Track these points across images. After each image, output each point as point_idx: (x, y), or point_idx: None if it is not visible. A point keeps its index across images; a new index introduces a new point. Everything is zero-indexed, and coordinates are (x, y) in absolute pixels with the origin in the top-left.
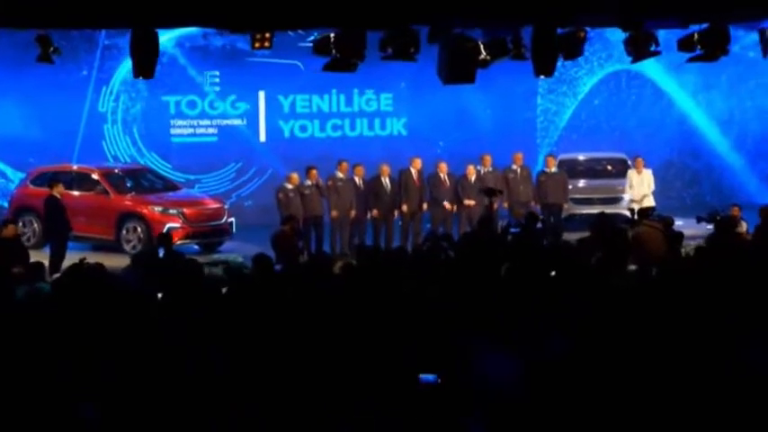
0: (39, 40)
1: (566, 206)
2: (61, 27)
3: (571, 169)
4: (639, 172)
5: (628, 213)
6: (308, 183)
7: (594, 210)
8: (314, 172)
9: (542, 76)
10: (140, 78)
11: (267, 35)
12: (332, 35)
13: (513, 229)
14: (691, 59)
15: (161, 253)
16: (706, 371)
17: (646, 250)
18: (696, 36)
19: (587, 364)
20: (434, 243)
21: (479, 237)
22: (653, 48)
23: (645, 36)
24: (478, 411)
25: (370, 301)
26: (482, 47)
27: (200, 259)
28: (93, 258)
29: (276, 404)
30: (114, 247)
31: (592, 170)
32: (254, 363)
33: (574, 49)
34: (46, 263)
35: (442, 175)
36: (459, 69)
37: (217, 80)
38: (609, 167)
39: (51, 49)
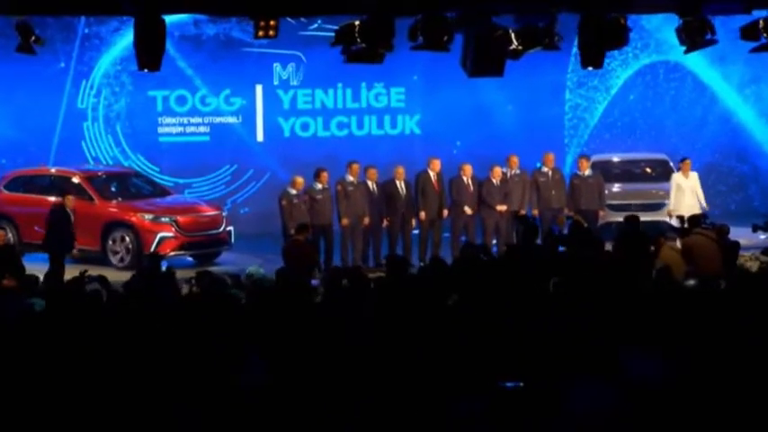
0: (19, 28)
1: (602, 213)
2: (48, 14)
3: (605, 172)
4: (687, 176)
5: (670, 221)
6: (319, 187)
7: None
8: (324, 175)
9: (590, 68)
10: (144, 71)
11: (272, 23)
12: (357, 22)
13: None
14: (755, 49)
15: (164, 266)
16: None
17: (698, 261)
18: (762, 23)
19: (689, 386)
20: (473, 255)
21: (526, 249)
22: (709, 36)
23: (700, 23)
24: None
25: (414, 318)
26: (513, 35)
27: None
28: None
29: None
30: (99, 259)
31: (628, 173)
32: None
33: (617, 38)
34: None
35: (465, 179)
36: (486, 60)
37: None
38: (648, 170)
39: (33, 38)
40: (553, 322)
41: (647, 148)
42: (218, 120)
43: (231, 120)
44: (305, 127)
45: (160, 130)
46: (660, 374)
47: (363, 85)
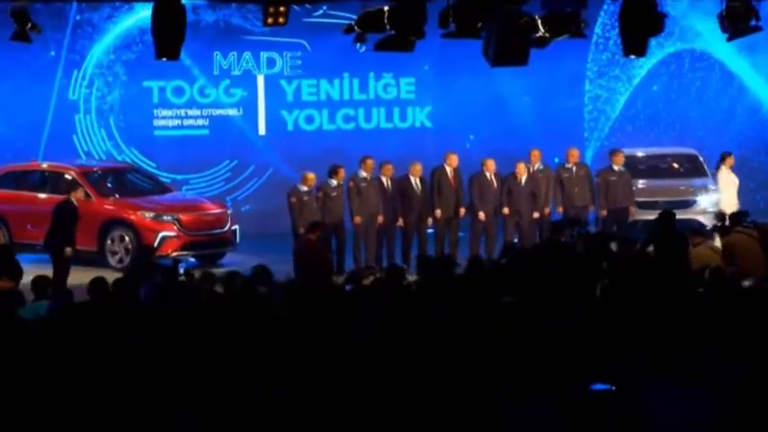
0: (14, 14)
1: (632, 210)
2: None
3: (629, 167)
4: (729, 171)
5: (701, 219)
6: (334, 183)
7: None
8: (341, 172)
9: (633, 56)
10: (163, 59)
11: (282, 9)
12: (386, 8)
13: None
14: None
15: (181, 269)
16: None
17: (739, 261)
18: None
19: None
20: (516, 256)
21: (556, 246)
22: (753, 23)
23: (745, 8)
24: None
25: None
26: (540, 22)
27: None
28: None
29: None
30: (96, 261)
31: (655, 169)
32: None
33: (656, 25)
34: None
35: (488, 175)
36: (510, 49)
37: None
38: (675, 165)
39: (29, 25)
40: (609, 325)
41: (671, 141)
42: (217, 112)
43: (231, 112)
44: (309, 120)
45: (156, 123)
46: (742, 377)
47: (371, 75)
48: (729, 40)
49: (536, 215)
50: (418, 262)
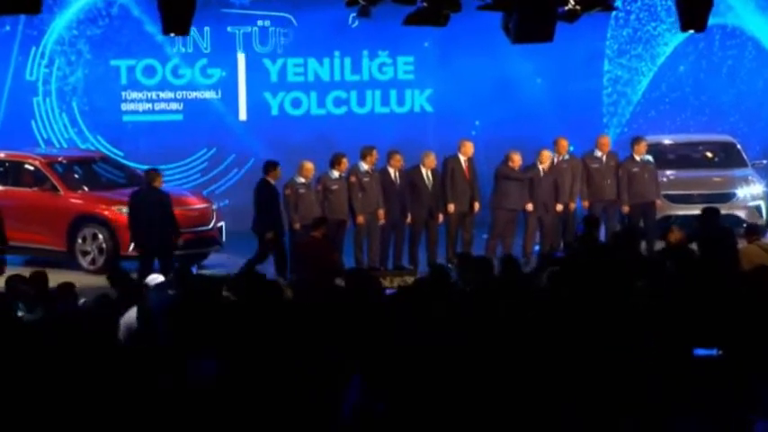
0: None
1: (659, 203)
2: None
3: (656, 156)
4: None
5: (741, 214)
6: (336, 175)
7: (697, 210)
8: (345, 162)
9: (691, 31)
10: (171, 35)
11: None
12: None
13: None
14: None
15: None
16: None
17: None
18: None
19: None
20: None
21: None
22: None
23: None
24: None
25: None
26: None
27: None
28: None
29: None
30: (64, 262)
31: (686, 158)
32: None
33: None
34: None
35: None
36: (534, 23)
37: None
38: (709, 154)
39: None
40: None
41: (699, 127)
42: (192, 95)
43: (208, 95)
44: (296, 103)
45: (124, 107)
46: None
47: (365, 53)
48: None
49: (559, 207)
50: (459, 261)
